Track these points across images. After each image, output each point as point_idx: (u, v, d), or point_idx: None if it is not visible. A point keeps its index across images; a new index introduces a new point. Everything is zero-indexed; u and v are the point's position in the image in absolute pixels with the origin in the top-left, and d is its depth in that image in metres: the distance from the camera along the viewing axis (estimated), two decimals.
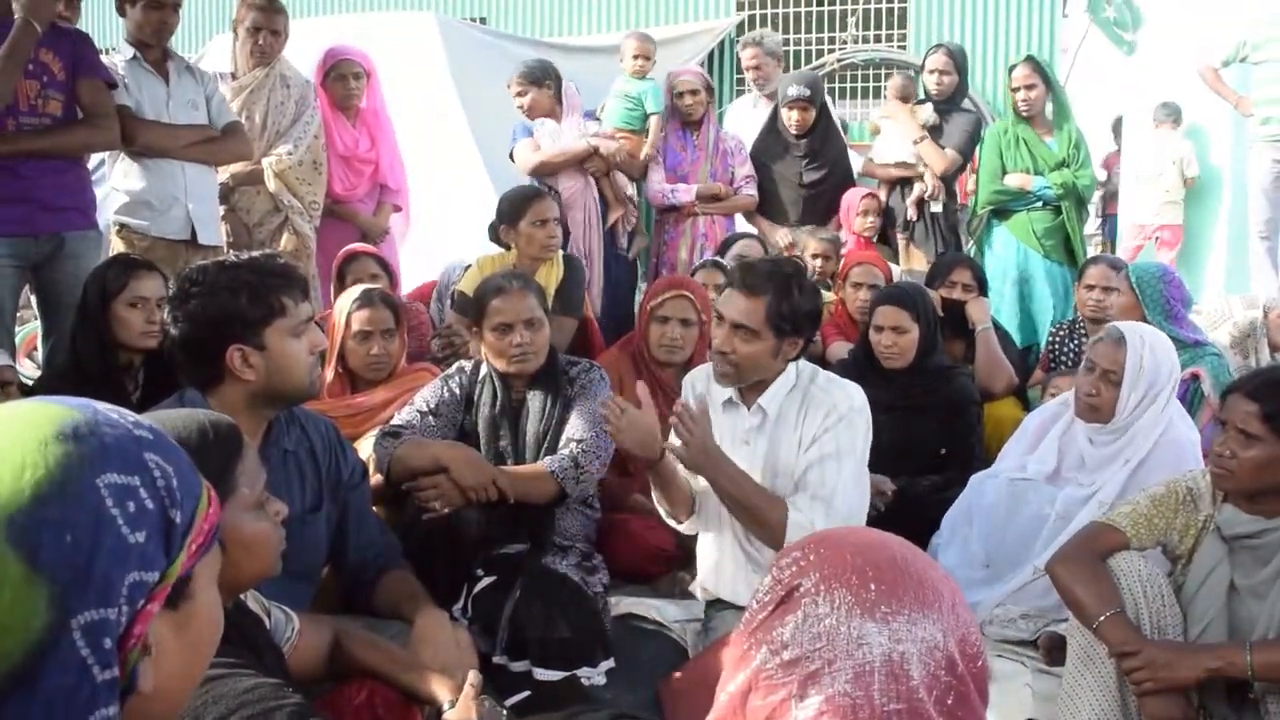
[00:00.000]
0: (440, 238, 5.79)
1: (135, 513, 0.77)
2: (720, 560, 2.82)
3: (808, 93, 5.19)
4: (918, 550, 0.92)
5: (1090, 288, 4.27)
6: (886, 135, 5.62)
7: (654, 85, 5.42)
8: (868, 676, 0.82)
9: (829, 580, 0.87)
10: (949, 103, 5.40)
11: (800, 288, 2.65)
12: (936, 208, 5.30)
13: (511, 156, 5.17)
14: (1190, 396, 3.57)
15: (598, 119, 5.39)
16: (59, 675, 0.71)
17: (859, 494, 2.67)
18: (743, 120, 5.96)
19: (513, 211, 4.07)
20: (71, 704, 0.72)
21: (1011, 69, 5.22)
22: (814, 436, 2.64)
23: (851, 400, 2.66)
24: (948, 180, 5.35)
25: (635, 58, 5.45)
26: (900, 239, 5.41)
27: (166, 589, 0.79)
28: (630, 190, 5.39)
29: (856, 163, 5.75)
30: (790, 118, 5.20)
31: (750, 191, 5.30)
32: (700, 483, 2.87)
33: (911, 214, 5.33)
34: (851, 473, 2.62)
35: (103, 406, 0.82)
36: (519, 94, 5.10)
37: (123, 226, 3.98)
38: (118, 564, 0.75)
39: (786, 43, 9.30)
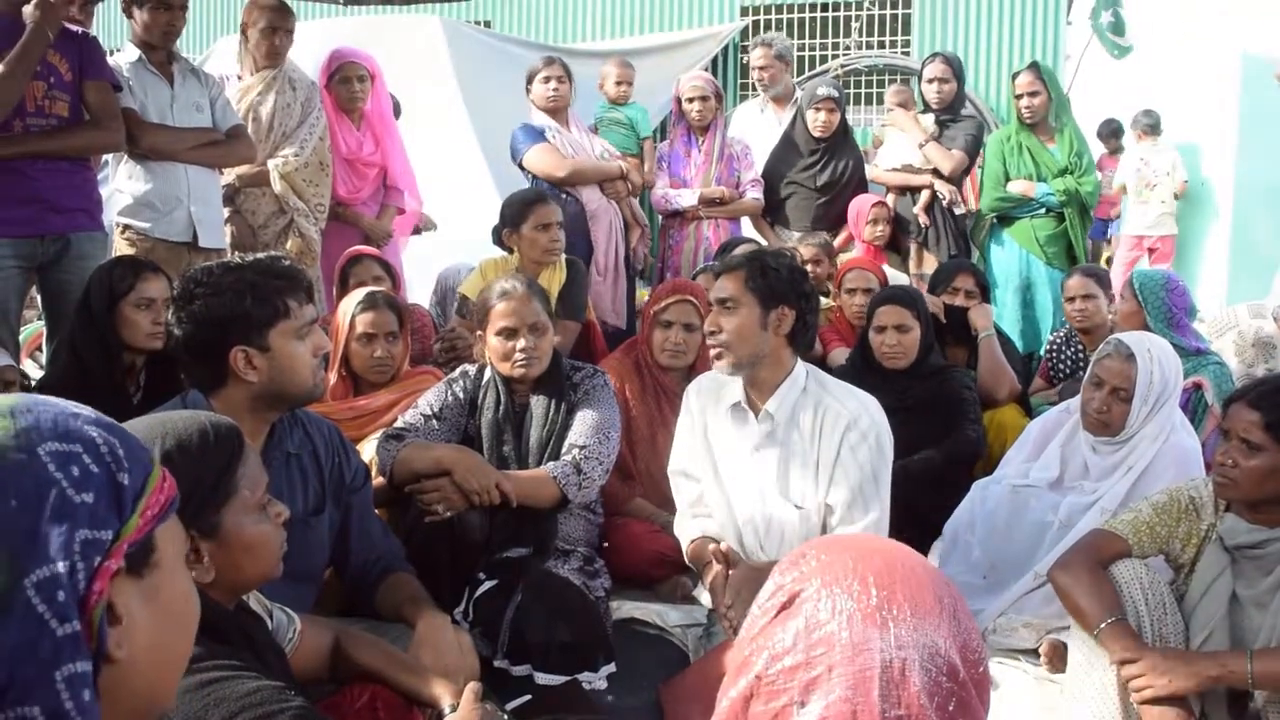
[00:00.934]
0: (444, 241, 5.80)
1: (80, 476, 0.79)
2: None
3: (836, 93, 5.25)
4: (919, 556, 0.92)
5: (1071, 299, 4.30)
6: (890, 142, 5.63)
7: (641, 109, 5.44)
8: (869, 683, 0.82)
9: (830, 586, 0.87)
10: (949, 111, 5.42)
11: (774, 257, 2.74)
12: (960, 209, 5.32)
13: (519, 161, 5.03)
14: (1194, 406, 3.57)
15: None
16: (17, 632, 0.73)
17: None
18: (748, 124, 5.96)
19: (516, 215, 4.06)
20: (33, 658, 0.73)
21: (1015, 76, 5.22)
22: (836, 454, 2.66)
23: (871, 415, 2.69)
24: (955, 182, 5.37)
25: (618, 84, 5.47)
26: (913, 245, 5.42)
27: (123, 546, 0.81)
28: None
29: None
30: (817, 119, 5.24)
31: (755, 195, 5.29)
32: (706, 487, 2.87)
33: (923, 220, 5.34)
34: (886, 488, 2.70)
35: (43, 396, 0.86)
36: (558, 79, 4.96)
37: (125, 228, 3.98)
38: (65, 522, 0.77)
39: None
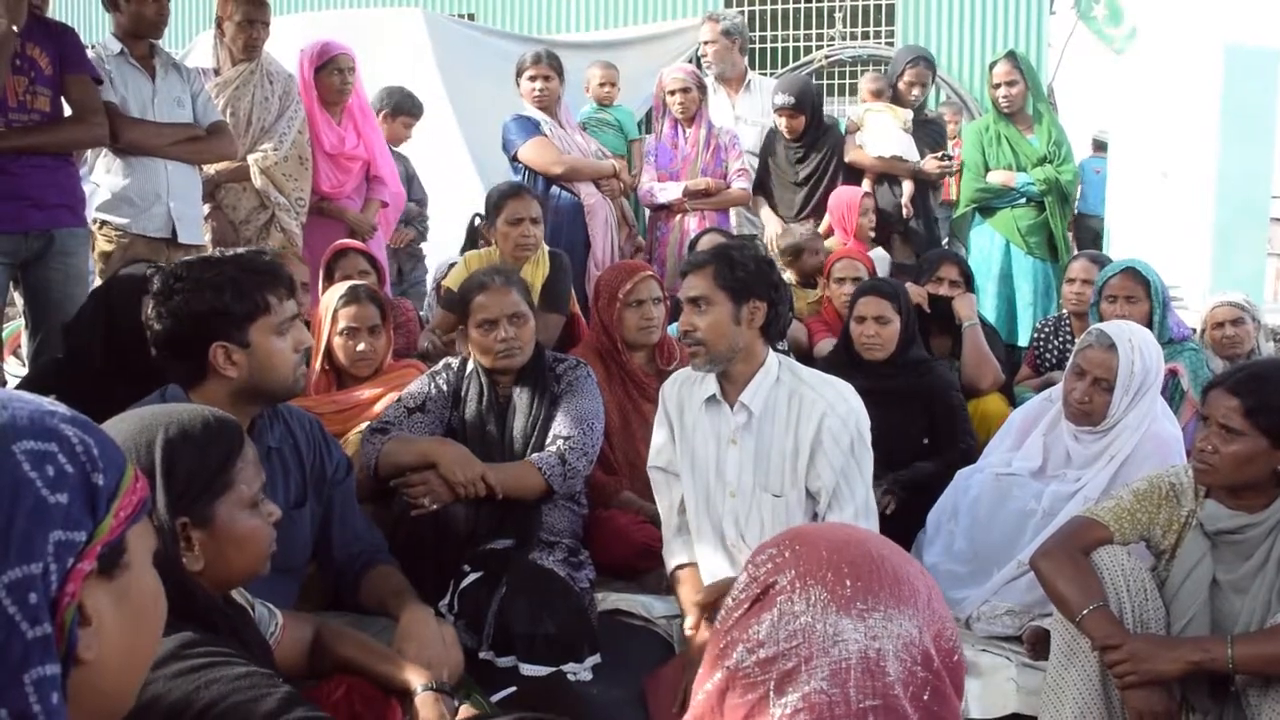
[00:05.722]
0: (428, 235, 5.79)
1: (54, 476, 0.78)
2: (705, 558, 2.83)
3: (792, 100, 5.24)
4: (894, 546, 0.92)
5: (1071, 281, 4.31)
6: (874, 129, 5.63)
7: (627, 111, 5.45)
8: (844, 673, 0.82)
9: (804, 577, 0.86)
10: (919, 110, 5.55)
11: (741, 251, 2.73)
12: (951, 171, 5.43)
13: (513, 154, 4.99)
14: (1170, 392, 3.58)
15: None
16: None
17: None
18: None
19: (492, 209, 4.09)
20: (2, 661, 0.73)
21: (992, 65, 5.23)
22: (817, 440, 2.65)
23: (848, 401, 2.69)
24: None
25: (602, 85, 5.47)
26: (896, 235, 5.44)
27: (96, 548, 0.80)
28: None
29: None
30: (780, 124, 5.33)
31: (743, 185, 5.29)
32: (685, 486, 2.85)
33: (908, 210, 5.36)
34: (869, 472, 2.70)
35: (17, 391, 0.85)
36: (544, 77, 4.96)
37: (103, 223, 3.95)
38: (39, 523, 0.76)
39: (775, 39, 9.32)
